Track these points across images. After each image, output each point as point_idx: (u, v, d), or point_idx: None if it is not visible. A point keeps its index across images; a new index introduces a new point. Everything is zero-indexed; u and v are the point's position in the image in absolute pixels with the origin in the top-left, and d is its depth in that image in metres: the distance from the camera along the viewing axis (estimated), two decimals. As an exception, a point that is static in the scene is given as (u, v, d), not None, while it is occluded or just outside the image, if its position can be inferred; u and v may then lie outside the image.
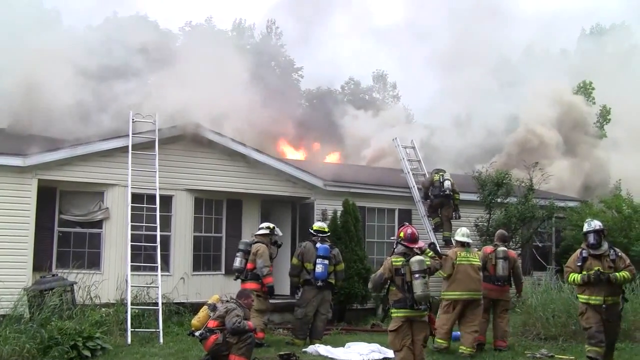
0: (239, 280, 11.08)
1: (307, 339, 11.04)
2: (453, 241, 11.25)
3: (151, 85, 15.54)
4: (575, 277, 8.52)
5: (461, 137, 26.64)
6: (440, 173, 15.87)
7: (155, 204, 12.68)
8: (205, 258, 14.22)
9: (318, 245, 11.12)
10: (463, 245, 10.36)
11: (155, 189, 12.73)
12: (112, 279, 12.67)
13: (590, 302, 8.43)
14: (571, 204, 18.10)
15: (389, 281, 7.76)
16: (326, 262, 11.01)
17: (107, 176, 13.01)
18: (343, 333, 12.62)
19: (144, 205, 12.92)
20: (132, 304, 11.46)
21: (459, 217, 15.63)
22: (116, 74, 16.40)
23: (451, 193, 15.52)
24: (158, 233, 12.39)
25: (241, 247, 11.29)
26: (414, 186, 16.34)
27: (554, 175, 18.67)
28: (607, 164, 24.28)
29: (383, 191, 16.17)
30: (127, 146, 12.87)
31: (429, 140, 25.24)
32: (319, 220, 13.47)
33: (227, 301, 8.75)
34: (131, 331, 10.84)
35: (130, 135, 12.96)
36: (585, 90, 29.79)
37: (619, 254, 8.60)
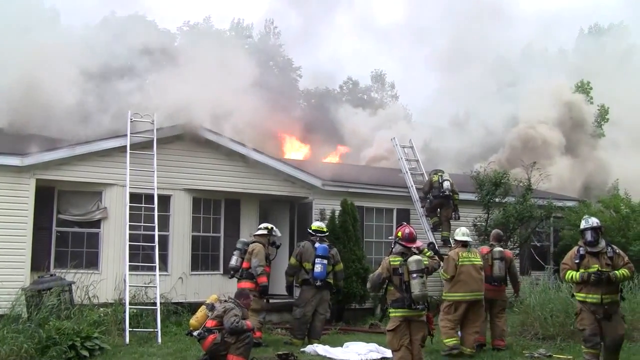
0: (237, 281, 11.08)
1: (305, 338, 11.04)
2: (452, 241, 11.24)
3: (151, 84, 15.53)
4: (574, 274, 8.40)
5: (461, 136, 26.67)
6: (439, 174, 15.86)
7: (153, 203, 12.67)
8: (203, 258, 14.22)
9: (317, 245, 11.13)
10: (464, 245, 10.31)
11: (154, 189, 12.72)
12: (110, 278, 12.67)
13: (587, 300, 8.32)
14: (569, 203, 18.11)
15: (387, 281, 7.76)
16: (325, 262, 11.02)
17: (105, 176, 13.00)
18: (341, 333, 12.62)
19: (142, 205, 12.90)
20: (130, 303, 11.46)
21: (459, 218, 15.62)
22: (116, 73, 16.39)
23: (450, 193, 15.52)
24: (156, 233, 12.39)
25: (239, 246, 11.32)
26: (412, 186, 16.34)
27: (555, 175, 18.70)
28: (608, 165, 24.31)
29: (381, 191, 16.17)
30: (126, 146, 12.86)
31: (430, 140, 25.23)
32: (318, 220, 13.49)
33: (226, 301, 8.74)
34: (129, 331, 10.85)
35: (129, 134, 12.95)
36: (583, 89, 29.82)
37: (617, 251, 8.47)
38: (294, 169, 15.02)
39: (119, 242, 12.61)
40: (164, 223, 13.40)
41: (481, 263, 10.35)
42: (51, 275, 11.62)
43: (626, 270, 8.31)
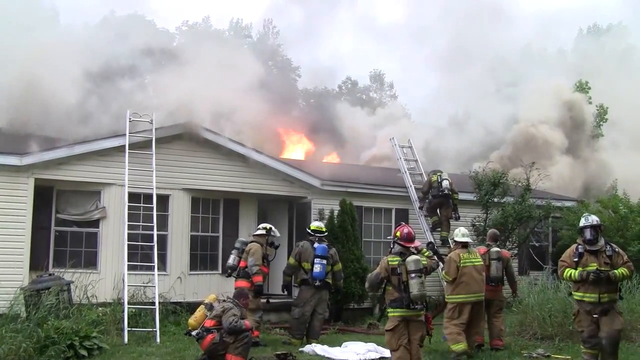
0: (237, 280, 11.07)
1: (304, 338, 11.03)
2: (451, 242, 11.20)
3: (151, 84, 15.54)
4: (572, 272, 8.29)
5: (460, 136, 26.66)
6: (438, 173, 15.86)
7: (152, 203, 12.68)
8: (202, 257, 14.21)
9: (316, 245, 11.10)
10: (464, 246, 10.22)
11: (152, 188, 12.72)
12: (109, 278, 12.68)
13: (584, 299, 8.28)
14: (568, 203, 18.11)
15: (385, 281, 7.76)
16: (324, 262, 11.01)
17: (104, 175, 13.00)
18: (340, 333, 12.62)
19: (141, 205, 12.90)
20: (129, 303, 11.45)
21: (459, 218, 15.59)
22: (116, 73, 16.38)
23: (450, 193, 15.51)
24: (155, 232, 12.40)
25: (237, 245, 11.34)
26: (411, 186, 16.35)
27: (555, 175, 18.69)
28: (609, 165, 24.31)
29: (380, 191, 16.16)
30: (124, 145, 12.86)
31: (431, 140, 25.18)
32: (316, 220, 13.48)
33: (224, 300, 8.74)
34: (128, 330, 10.85)
35: (127, 134, 12.95)
36: (582, 89, 29.84)
37: (616, 249, 8.35)
38: (292, 168, 15.02)
39: (118, 242, 12.62)
40: (163, 223, 13.41)
41: (482, 264, 10.26)
42: (50, 274, 11.63)
43: (625, 270, 8.20)
